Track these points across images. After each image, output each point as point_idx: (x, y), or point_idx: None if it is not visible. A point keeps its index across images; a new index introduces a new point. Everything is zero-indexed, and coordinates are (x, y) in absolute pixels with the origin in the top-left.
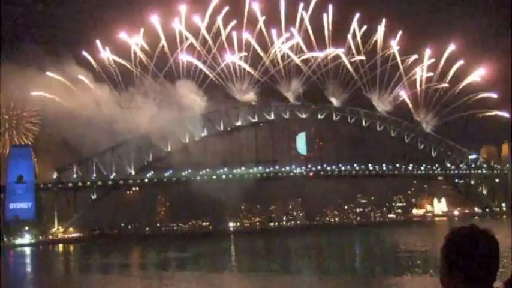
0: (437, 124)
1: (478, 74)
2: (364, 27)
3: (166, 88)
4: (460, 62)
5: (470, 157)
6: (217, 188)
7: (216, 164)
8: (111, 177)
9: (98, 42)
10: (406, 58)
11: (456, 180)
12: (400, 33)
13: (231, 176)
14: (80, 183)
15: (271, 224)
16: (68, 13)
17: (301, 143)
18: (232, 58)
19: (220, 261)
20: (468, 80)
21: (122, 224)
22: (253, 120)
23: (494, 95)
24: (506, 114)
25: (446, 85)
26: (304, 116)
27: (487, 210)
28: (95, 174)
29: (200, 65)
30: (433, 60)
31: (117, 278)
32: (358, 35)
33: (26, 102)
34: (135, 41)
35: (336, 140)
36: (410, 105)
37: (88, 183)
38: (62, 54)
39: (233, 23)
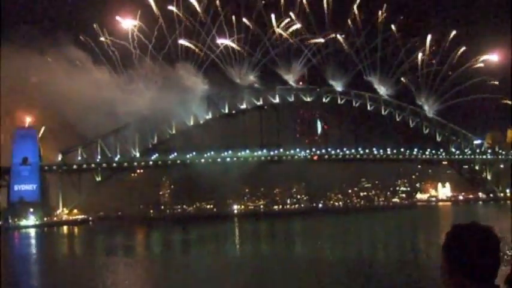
0: (439, 108)
1: (482, 60)
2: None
3: (166, 70)
4: (463, 48)
5: (475, 142)
6: (221, 171)
7: (220, 146)
8: (116, 159)
9: (95, 25)
10: (406, 41)
11: (461, 165)
12: (401, 17)
13: (235, 158)
14: (84, 165)
15: (275, 207)
16: None
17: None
18: (227, 41)
19: (223, 243)
20: (472, 64)
21: (126, 206)
22: (258, 103)
23: (496, 82)
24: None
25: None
26: (308, 99)
27: (491, 195)
28: (99, 157)
29: (197, 47)
30: (433, 47)
31: (120, 259)
32: (358, 18)
33: (25, 84)
34: (132, 23)
35: (341, 123)
36: (413, 89)
37: (93, 165)
38: (60, 36)
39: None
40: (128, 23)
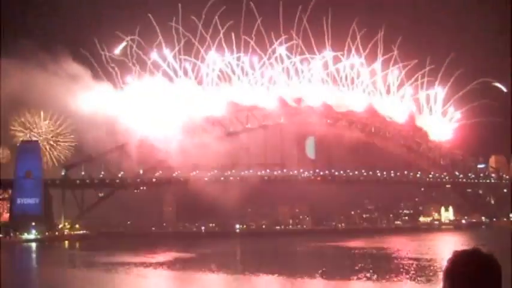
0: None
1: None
2: (364, 30)
3: (166, 86)
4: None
5: (479, 166)
6: (224, 190)
7: (224, 165)
8: (119, 175)
9: (96, 40)
10: (406, 64)
11: (464, 189)
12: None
13: (238, 178)
14: (87, 181)
15: (277, 227)
16: (64, 10)
17: (310, 147)
18: (228, 58)
19: (225, 262)
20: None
21: (129, 223)
22: (263, 123)
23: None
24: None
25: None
26: (313, 119)
27: (494, 220)
28: (102, 172)
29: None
30: (433, 66)
31: (120, 276)
32: (358, 38)
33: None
34: (130, 38)
35: (344, 145)
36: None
37: (96, 181)
38: (59, 51)
39: (230, 23)
40: (127, 39)
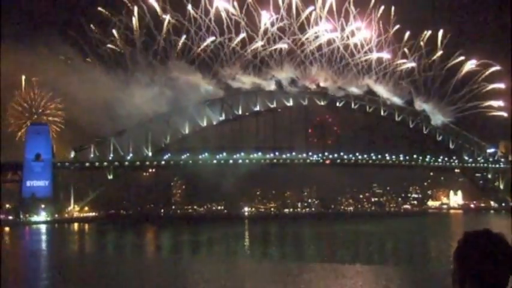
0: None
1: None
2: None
3: (163, 69)
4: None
5: (488, 151)
6: (233, 173)
7: (233, 148)
8: (128, 158)
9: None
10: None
11: (473, 174)
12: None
13: (247, 160)
14: (97, 163)
15: (286, 210)
16: None
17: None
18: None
19: (233, 246)
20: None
21: (137, 205)
22: (272, 106)
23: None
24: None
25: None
26: (322, 103)
27: (503, 204)
28: (112, 155)
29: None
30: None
31: (129, 258)
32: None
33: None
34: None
35: (354, 128)
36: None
37: (105, 163)
38: (50, 34)
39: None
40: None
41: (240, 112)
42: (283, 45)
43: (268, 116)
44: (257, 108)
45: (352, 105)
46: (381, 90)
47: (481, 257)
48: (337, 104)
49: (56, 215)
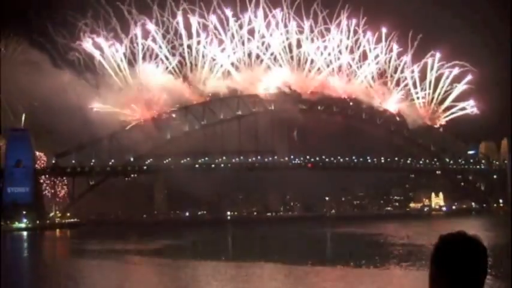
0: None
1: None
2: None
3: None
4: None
5: (469, 152)
6: (215, 177)
7: (215, 152)
8: (110, 163)
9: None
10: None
11: (454, 175)
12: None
13: (229, 165)
14: (78, 169)
15: (268, 214)
16: None
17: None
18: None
19: (215, 249)
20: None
21: (119, 211)
22: (254, 110)
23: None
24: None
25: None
26: (304, 106)
27: (484, 206)
28: (93, 160)
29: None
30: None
31: (111, 263)
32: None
33: None
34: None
35: (335, 131)
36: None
37: (86, 168)
38: (14, 37)
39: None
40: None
41: (221, 116)
42: (252, 48)
43: (250, 119)
44: (238, 112)
45: (334, 108)
46: (358, 93)
47: (456, 259)
48: (318, 108)
49: (38, 221)
